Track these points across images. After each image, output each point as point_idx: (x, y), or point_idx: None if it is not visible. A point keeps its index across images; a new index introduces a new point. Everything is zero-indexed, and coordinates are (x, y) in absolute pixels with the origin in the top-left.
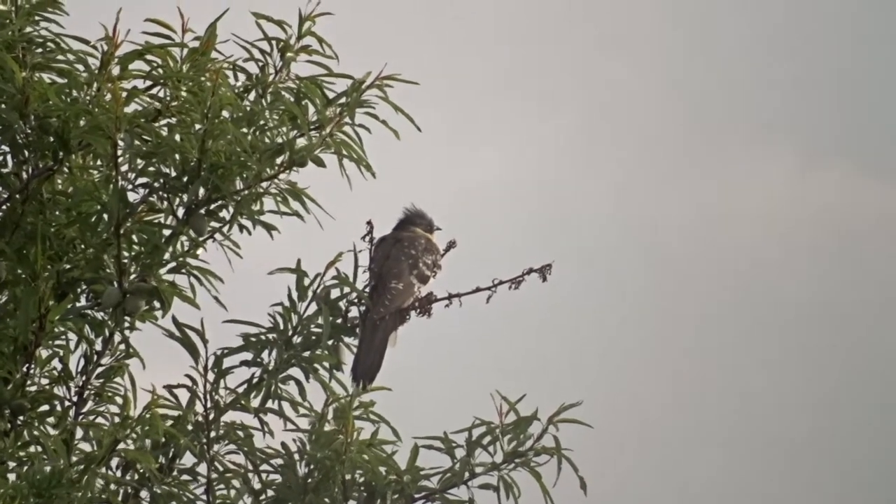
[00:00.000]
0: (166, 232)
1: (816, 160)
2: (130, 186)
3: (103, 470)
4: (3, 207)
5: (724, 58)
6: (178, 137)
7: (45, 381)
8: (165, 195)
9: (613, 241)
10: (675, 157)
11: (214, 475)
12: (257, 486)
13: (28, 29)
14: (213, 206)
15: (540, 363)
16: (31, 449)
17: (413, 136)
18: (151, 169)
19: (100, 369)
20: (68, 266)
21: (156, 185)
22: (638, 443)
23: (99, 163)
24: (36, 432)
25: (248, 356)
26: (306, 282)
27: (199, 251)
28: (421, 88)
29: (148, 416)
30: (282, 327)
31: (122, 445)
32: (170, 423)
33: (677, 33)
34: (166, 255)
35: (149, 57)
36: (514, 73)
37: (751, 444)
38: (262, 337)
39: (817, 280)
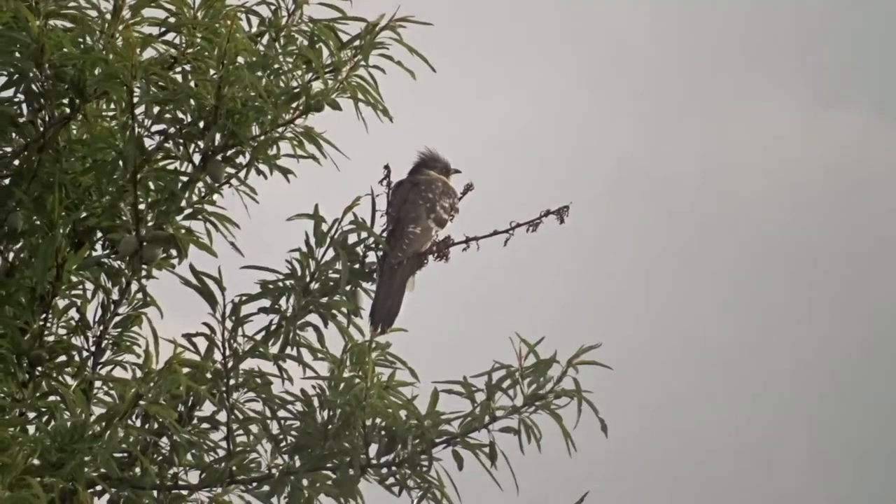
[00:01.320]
0: (183, 179)
1: (830, 102)
2: (146, 133)
3: (124, 422)
4: (20, 157)
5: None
6: (193, 84)
7: (62, 332)
8: (181, 141)
9: (625, 185)
10: (685, 100)
11: (234, 423)
12: (277, 432)
13: None
14: (229, 153)
15: (557, 306)
16: (51, 399)
17: (425, 81)
18: (167, 116)
19: (117, 318)
20: (85, 215)
21: (172, 131)
22: (654, 386)
23: (114, 110)
24: (55, 383)
25: (265, 303)
26: (324, 227)
27: (216, 197)
28: (433, 33)
29: (170, 369)
30: (299, 273)
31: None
32: (187, 370)
33: None
34: (183, 202)
35: (163, 3)
36: (523, 17)
37: (764, 389)
38: (280, 284)
39: (830, 225)
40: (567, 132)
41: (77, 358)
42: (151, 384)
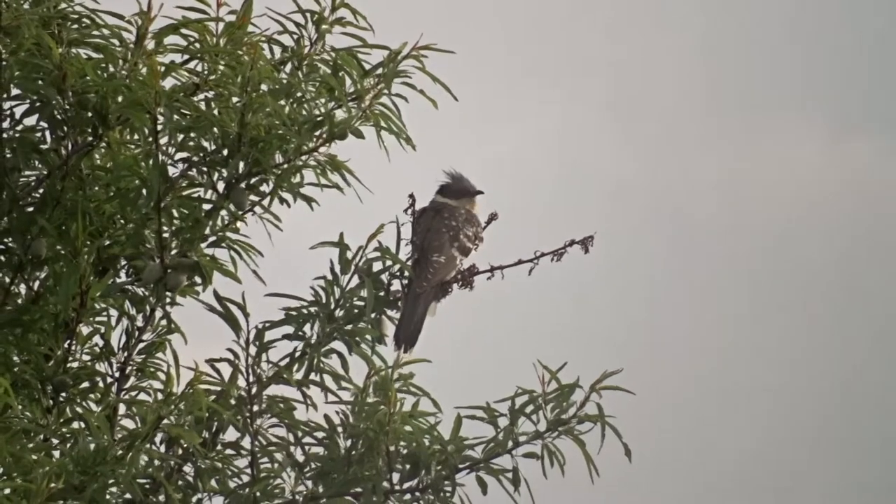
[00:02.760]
0: (206, 206)
1: (848, 132)
2: (170, 161)
3: (147, 446)
4: (44, 184)
5: (753, 26)
6: (216, 111)
7: (86, 358)
8: (205, 169)
9: (644, 212)
10: (704, 127)
11: (258, 449)
12: (301, 458)
13: (63, 5)
14: (253, 180)
15: (579, 331)
16: (74, 425)
17: (448, 108)
18: (191, 143)
19: (141, 345)
20: (109, 242)
21: (195, 159)
22: (673, 410)
23: (137, 137)
24: (79, 409)
25: (289, 330)
26: (349, 255)
27: (240, 225)
28: (452, 63)
29: (191, 392)
30: (324, 301)
31: (165, 422)
32: (212, 397)
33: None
34: (207, 230)
35: (185, 31)
36: (542, 44)
37: (780, 412)
38: (304, 310)
39: (844, 253)
40: (590, 161)
41: (101, 384)
42: (172, 406)
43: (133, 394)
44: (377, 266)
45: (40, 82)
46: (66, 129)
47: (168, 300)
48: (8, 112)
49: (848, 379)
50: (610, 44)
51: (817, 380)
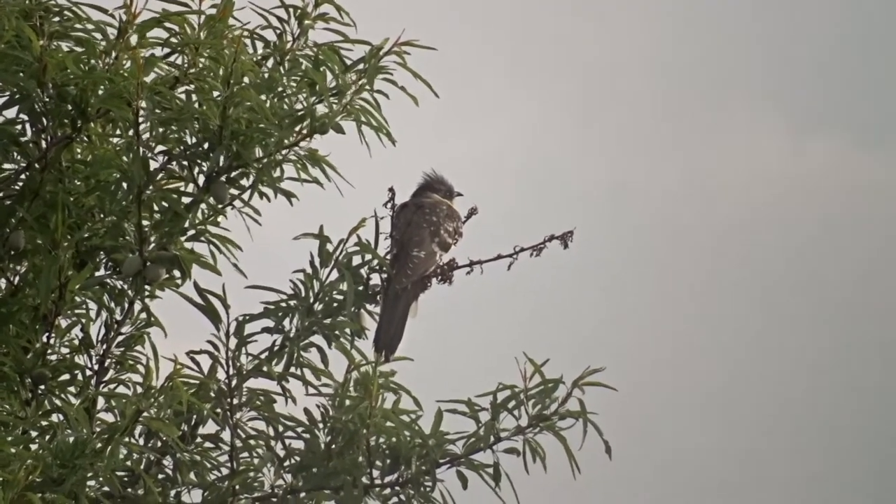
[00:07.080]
0: (186, 199)
1: (809, 131)
2: (150, 154)
3: (126, 439)
4: (23, 176)
5: (717, 26)
6: (198, 104)
7: (65, 351)
8: (186, 163)
9: (609, 210)
10: (668, 126)
11: (237, 442)
12: (281, 452)
13: None
14: (233, 174)
15: (554, 327)
16: (53, 418)
17: (428, 104)
18: (172, 136)
19: (120, 338)
20: (88, 234)
21: (176, 152)
22: (653, 404)
23: (118, 131)
24: (58, 401)
25: (269, 323)
26: (329, 248)
27: (220, 219)
28: (432, 60)
29: (171, 386)
30: (303, 294)
31: (145, 415)
32: (192, 390)
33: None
34: (186, 223)
35: (166, 25)
36: (510, 44)
37: (758, 409)
38: (284, 304)
39: (807, 249)
40: (561, 158)
41: (80, 377)
42: (152, 400)
43: (112, 387)
44: (357, 260)
45: (20, 74)
46: (45, 121)
47: (147, 293)
48: None
49: (815, 374)
50: (573, 45)
51: (789, 374)
